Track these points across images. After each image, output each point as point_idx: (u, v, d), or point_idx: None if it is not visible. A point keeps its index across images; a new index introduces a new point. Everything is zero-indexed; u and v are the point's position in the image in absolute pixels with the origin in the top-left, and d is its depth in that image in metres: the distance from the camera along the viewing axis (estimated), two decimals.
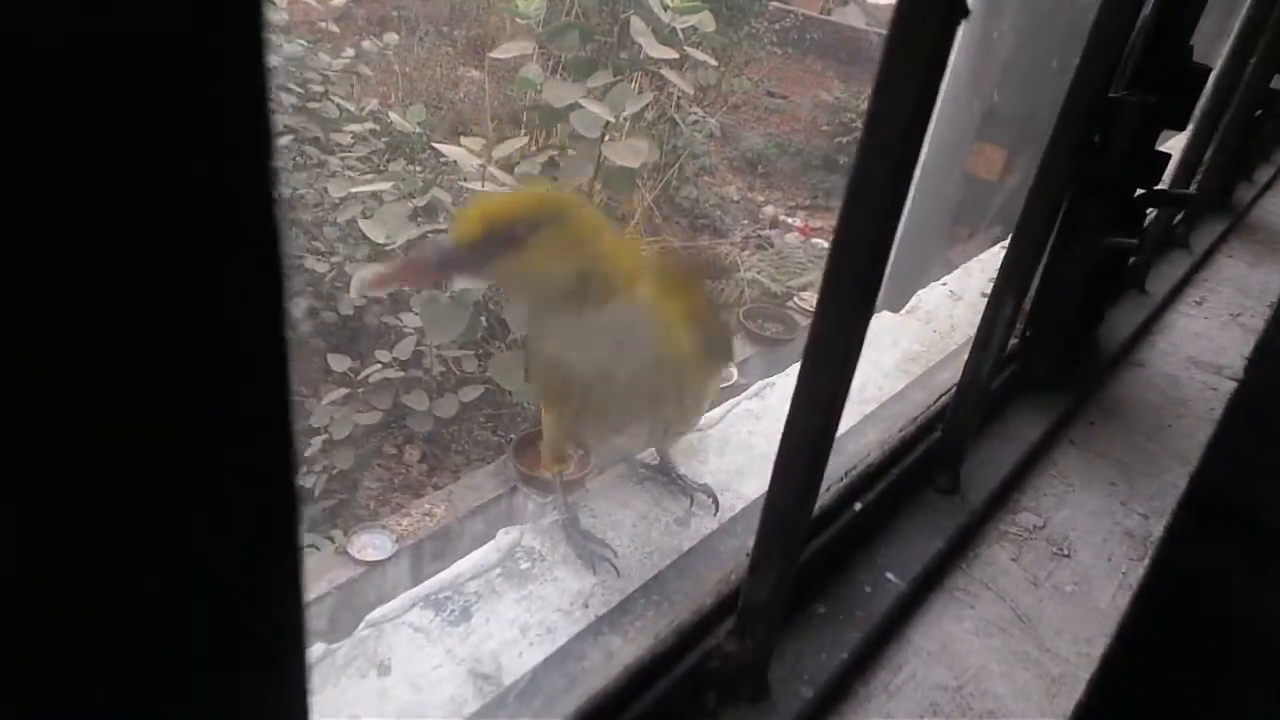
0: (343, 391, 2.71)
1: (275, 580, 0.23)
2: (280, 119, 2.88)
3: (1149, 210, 0.95)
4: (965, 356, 0.74)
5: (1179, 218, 1.30)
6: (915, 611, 0.68)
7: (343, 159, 3.00)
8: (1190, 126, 1.16)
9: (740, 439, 0.85)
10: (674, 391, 0.66)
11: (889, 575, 0.68)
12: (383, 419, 2.78)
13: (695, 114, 3.73)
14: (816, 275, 3.31)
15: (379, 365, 2.73)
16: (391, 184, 2.64)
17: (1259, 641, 0.97)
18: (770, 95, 5.38)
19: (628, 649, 0.53)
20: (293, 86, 2.99)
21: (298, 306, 2.90)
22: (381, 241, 2.46)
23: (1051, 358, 0.90)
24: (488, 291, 2.48)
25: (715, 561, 0.66)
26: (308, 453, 2.69)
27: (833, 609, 0.64)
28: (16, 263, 0.15)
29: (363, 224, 2.52)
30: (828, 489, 0.67)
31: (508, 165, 2.53)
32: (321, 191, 2.89)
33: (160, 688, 0.21)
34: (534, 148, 3.01)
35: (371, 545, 2.56)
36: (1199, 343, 1.13)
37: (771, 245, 4.05)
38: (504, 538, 0.70)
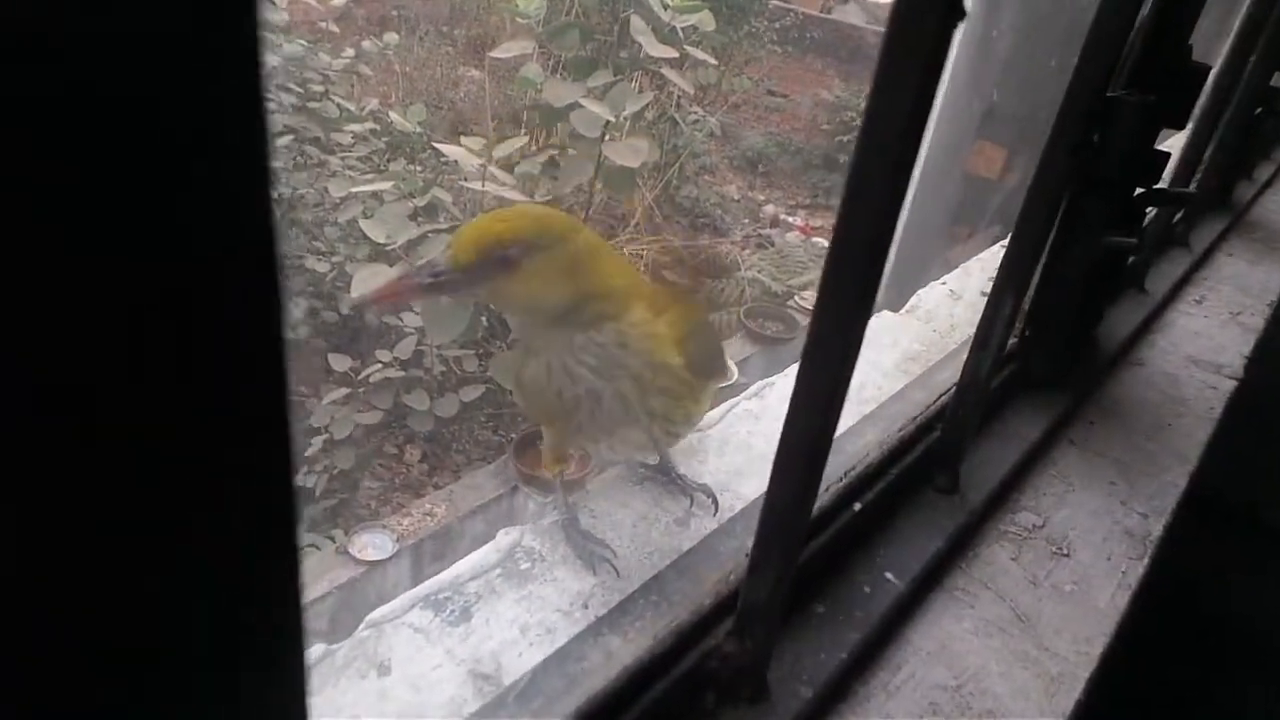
0: (343, 391, 2.71)
1: (274, 580, 0.23)
2: (281, 119, 2.89)
3: (1148, 209, 0.95)
4: (965, 356, 0.74)
5: (1178, 216, 1.30)
6: (914, 611, 0.68)
7: (343, 159, 3.00)
8: (1190, 125, 1.16)
9: (740, 439, 0.85)
10: (662, 412, 0.66)
11: (888, 575, 0.68)
12: (383, 419, 2.78)
13: (695, 113, 3.73)
14: (817, 274, 3.31)
15: (380, 365, 2.73)
16: (392, 184, 2.64)
17: (1259, 641, 0.97)
18: (770, 94, 5.38)
19: (627, 649, 0.53)
20: (293, 86, 2.99)
21: (298, 306, 2.90)
22: (382, 241, 2.46)
23: (1051, 357, 0.90)
24: None
25: (714, 562, 0.66)
26: (308, 452, 2.69)
27: (832, 609, 0.64)
28: (15, 263, 0.15)
29: (363, 224, 2.52)
30: (827, 489, 0.67)
31: (508, 165, 2.53)
32: (322, 191, 2.89)
33: (159, 688, 0.21)
34: (534, 147, 3.01)
35: (372, 545, 2.56)
36: (1199, 342, 1.13)
37: (772, 244, 4.04)
38: (504, 538, 0.70)
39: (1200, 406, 1.00)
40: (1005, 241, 0.74)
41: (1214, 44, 1.37)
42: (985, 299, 0.73)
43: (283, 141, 2.83)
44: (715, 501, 0.75)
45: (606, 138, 2.73)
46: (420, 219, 2.54)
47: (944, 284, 1.16)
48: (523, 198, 2.43)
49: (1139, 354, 1.08)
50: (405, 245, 2.44)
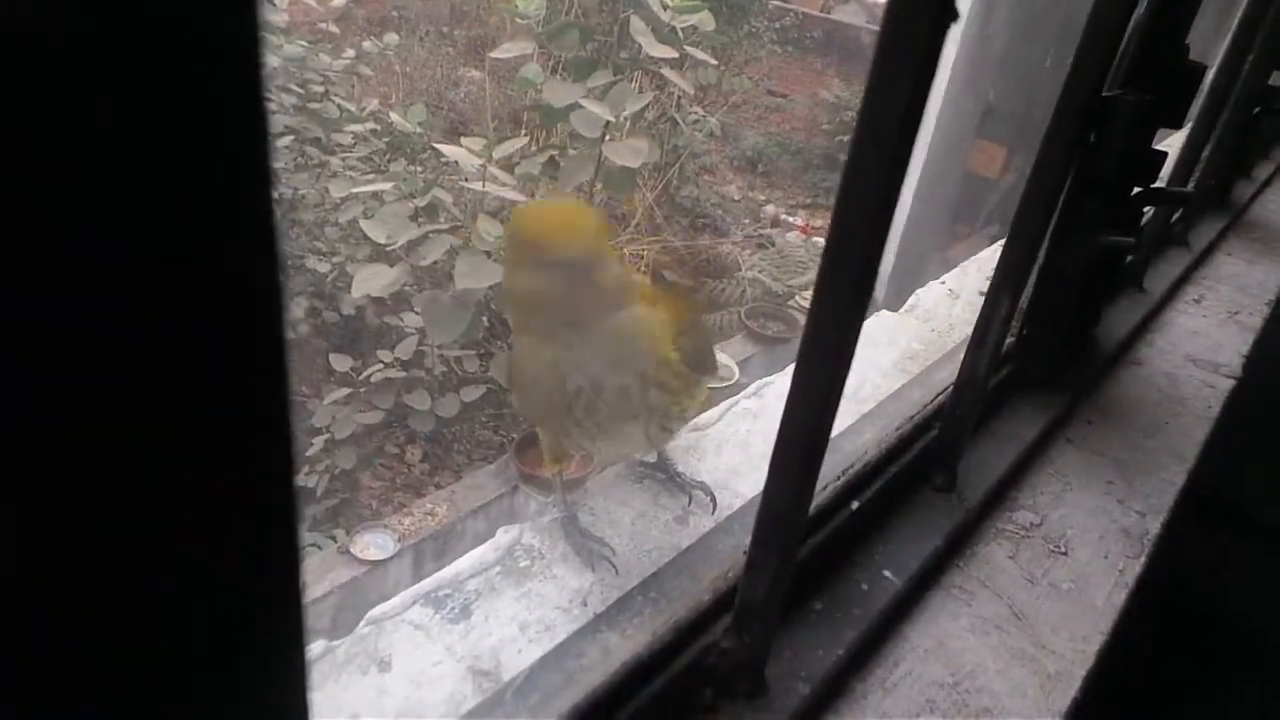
0: (344, 391, 2.71)
1: (275, 580, 0.23)
2: (281, 119, 2.89)
3: (1146, 209, 0.95)
4: (963, 355, 0.74)
5: (1177, 216, 1.30)
6: (912, 609, 0.69)
7: (344, 159, 3.00)
8: (1188, 124, 1.16)
9: (738, 438, 0.85)
10: (660, 407, 0.66)
11: (886, 573, 0.68)
12: (384, 419, 2.78)
13: (695, 113, 3.73)
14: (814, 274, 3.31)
15: (381, 365, 2.73)
16: (392, 184, 2.65)
17: (1254, 639, 0.98)
18: (770, 94, 5.39)
19: (625, 646, 0.53)
20: (293, 87, 3.00)
21: (299, 306, 2.90)
22: (383, 242, 2.47)
23: (1048, 356, 0.90)
24: (489, 291, 2.49)
25: (712, 559, 0.66)
26: (310, 452, 2.70)
27: (830, 606, 0.65)
28: (15, 263, 0.15)
29: (364, 224, 2.52)
30: (825, 487, 0.67)
31: (508, 165, 2.53)
32: (323, 192, 2.89)
33: (159, 687, 0.21)
34: (534, 147, 3.02)
35: (374, 544, 2.56)
36: (1197, 341, 1.14)
37: (772, 244, 4.05)
38: (503, 536, 0.70)
39: (1198, 406, 1.00)
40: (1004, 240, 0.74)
41: (1212, 43, 1.37)
42: (983, 298, 0.73)
43: (283, 142, 2.83)
44: (713, 499, 0.76)
45: (607, 138, 2.73)
46: (421, 219, 2.54)
47: (943, 283, 1.16)
48: (523, 198, 2.44)
49: (1137, 353, 1.08)
50: (406, 245, 2.44)
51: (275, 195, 0.19)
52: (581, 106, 2.62)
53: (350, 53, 3.19)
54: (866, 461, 0.71)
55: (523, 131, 3.27)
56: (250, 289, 0.19)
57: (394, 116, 2.99)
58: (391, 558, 2.53)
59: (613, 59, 2.91)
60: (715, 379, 0.73)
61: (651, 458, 0.79)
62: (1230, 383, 1.06)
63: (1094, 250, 0.85)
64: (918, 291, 1.14)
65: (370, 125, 3.12)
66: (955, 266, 1.24)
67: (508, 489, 2.77)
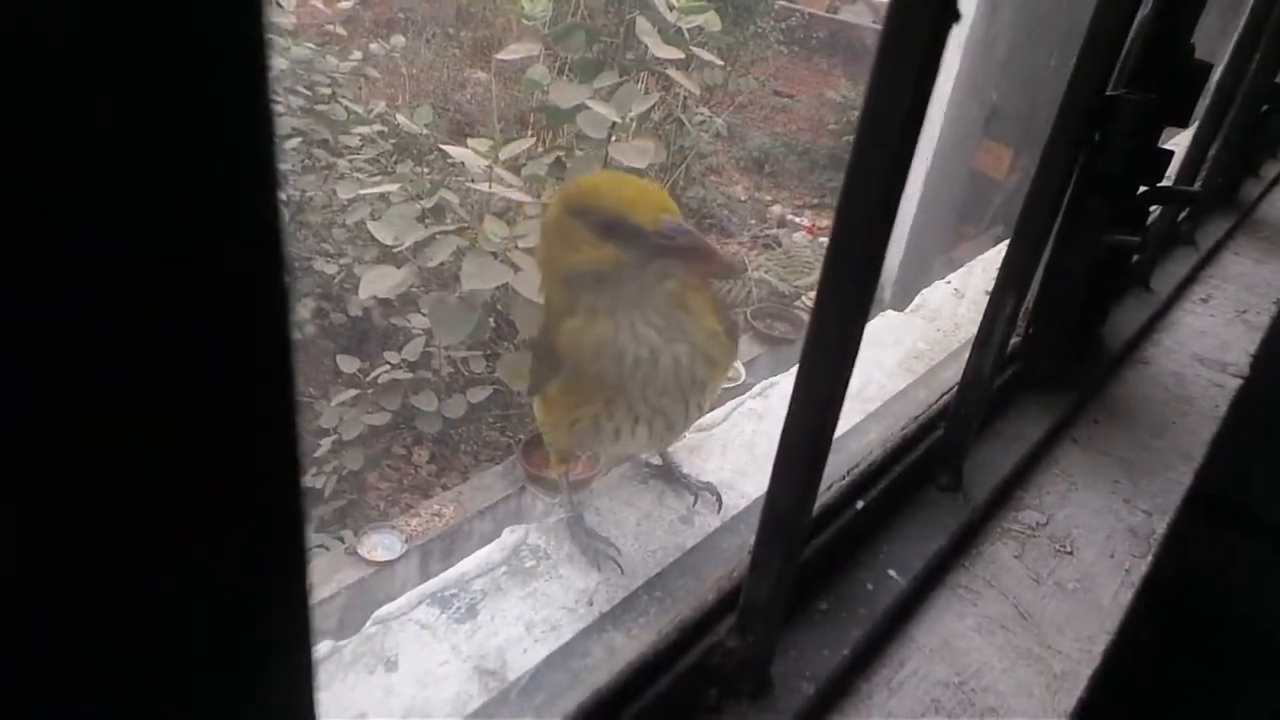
0: (352, 393, 2.72)
1: (279, 581, 0.23)
2: (289, 122, 2.90)
3: (1152, 208, 0.95)
4: (968, 355, 0.74)
5: (1184, 215, 1.30)
6: (917, 608, 0.69)
7: (351, 161, 3.01)
8: (1194, 123, 1.15)
9: (744, 438, 0.85)
10: (703, 381, 0.66)
11: (891, 572, 0.68)
12: (391, 420, 2.79)
13: (702, 114, 3.73)
14: None
15: (388, 366, 2.74)
16: (399, 185, 2.66)
17: (1261, 639, 0.97)
18: (777, 94, 5.38)
19: (630, 645, 0.53)
20: (301, 89, 3.01)
21: (306, 307, 2.91)
22: (390, 243, 2.47)
23: (1054, 356, 0.90)
24: (496, 292, 2.49)
25: (718, 559, 0.66)
26: (317, 453, 2.71)
27: (835, 606, 0.65)
28: (17, 263, 0.15)
29: (371, 226, 2.53)
30: (829, 487, 0.67)
31: (514, 166, 2.54)
32: (330, 193, 2.91)
33: (161, 688, 0.21)
34: (541, 148, 3.02)
35: (381, 545, 2.57)
36: (1204, 340, 1.13)
37: (779, 245, 4.04)
38: (509, 536, 0.70)
39: (1205, 405, 1.00)
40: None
41: (1218, 42, 1.37)
42: (988, 298, 0.73)
43: (291, 144, 2.85)
44: (719, 499, 0.76)
45: (613, 139, 2.74)
46: (428, 221, 2.55)
47: (948, 283, 1.16)
48: (529, 199, 2.44)
49: (1144, 353, 1.08)
50: (413, 247, 2.45)
51: (280, 196, 0.19)
52: (588, 107, 2.62)
53: (357, 55, 3.21)
54: (871, 461, 0.71)
55: (529, 133, 3.27)
56: (252, 289, 0.19)
57: (401, 118, 3.00)
58: (399, 559, 2.53)
59: (619, 60, 2.92)
60: (737, 348, 0.73)
61: (657, 459, 0.79)
62: (1238, 382, 1.05)
63: (1099, 249, 0.85)
64: (923, 291, 1.13)
65: (377, 127, 3.13)
66: (961, 266, 1.24)
67: (515, 490, 2.78)
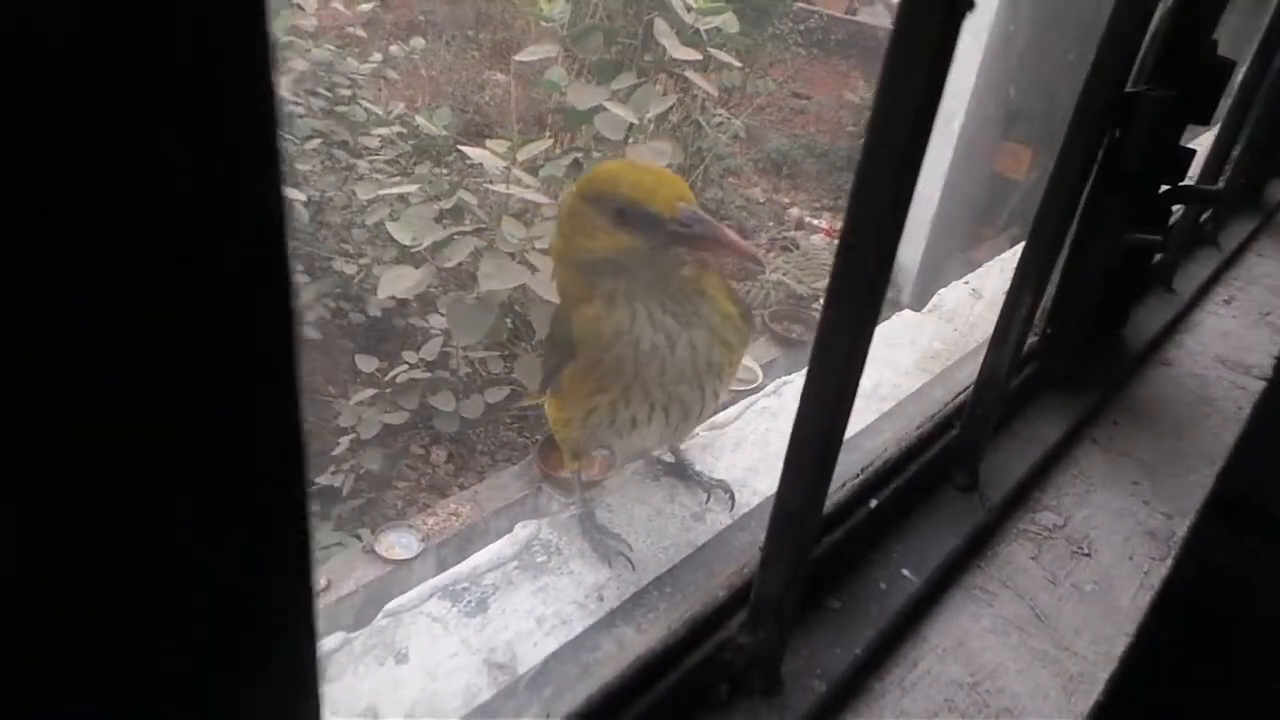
0: (370, 392, 2.74)
1: (281, 581, 0.23)
2: (309, 123, 2.92)
3: (1175, 207, 0.94)
4: (984, 354, 0.73)
5: (1207, 215, 1.28)
6: (931, 609, 0.68)
7: (370, 162, 3.03)
8: (1217, 122, 1.14)
9: (757, 436, 0.85)
10: (719, 366, 0.66)
11: (905, 572, 0.68)
12: (409, 419, 2.80)
13: (720, 115, 3.73)
14: None
15: (406, 366, 2.75)
16: (418, 186, 2.67)
17: None
18: (795, 96, 5.36)
19: (640, 640, 0.53)
20: (321, 91, 3.03)
21: (326, 308, 2.93)
22: (408, 243, 2.49)
23: (1073, 356, 0.89)
24: (512, 293, 2.50)
25: (729, 556, 0.66)
26: (335, 452, 2.72)
27: (848, 604, 0.64)
28: (16, 263, 0.15)
29: (389, 226, 2.55)
30: (843, 485, 0.67)
31: (532, 167, 2.55)
32: (350, 194, 2.92)
33: (162, 688, 0.21)
34: (558, 150, 3.03)
35: (398, 544, 2.58)
36: (1227, 342, 1.12)
37: (797, 247, 4.03)
38: (521, 531, 0.70)
39: (1228, 407, 0.98)
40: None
41: (1244, 40, 1.35)
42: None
43: (311, 145, 2.87)
44: (732, 497, 0.76)
45: (630, 140, 2.74)
46: (446, 221, 2.56)
47: (966, 283, 1.15)
48: (546, 200, 2.44)
49: (1166, 354, 1.07)
50: (431, 247, 2.46)
51: (284, 194, 0.19)
52: (605, 109, 2.63)
53: (377, 57, 3.23)
54: (886, 460, 0.70)
55: (547, 134, 3.28)
56: (253, 289, 0.19)
57: (420, 119, 3.02)
58: (416, 557, 2.54)
59: (637, 62, 2.92)
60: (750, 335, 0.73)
61: (669, 457, 0.79)
62: (1261, 384, 1.04)
63: (1119, 248, 0.84)
64: (940, 291, 1.13)
65: (396, 128, 3.14)
66: (979, 267, 1.23)
67: (531, 490, 2.78)
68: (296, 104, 2.95)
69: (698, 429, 0.81)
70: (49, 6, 0.14)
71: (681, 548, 0.71)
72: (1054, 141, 0.68)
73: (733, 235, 0.58)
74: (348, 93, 3.09)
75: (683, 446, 0.80)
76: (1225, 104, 1.06)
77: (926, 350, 1.00)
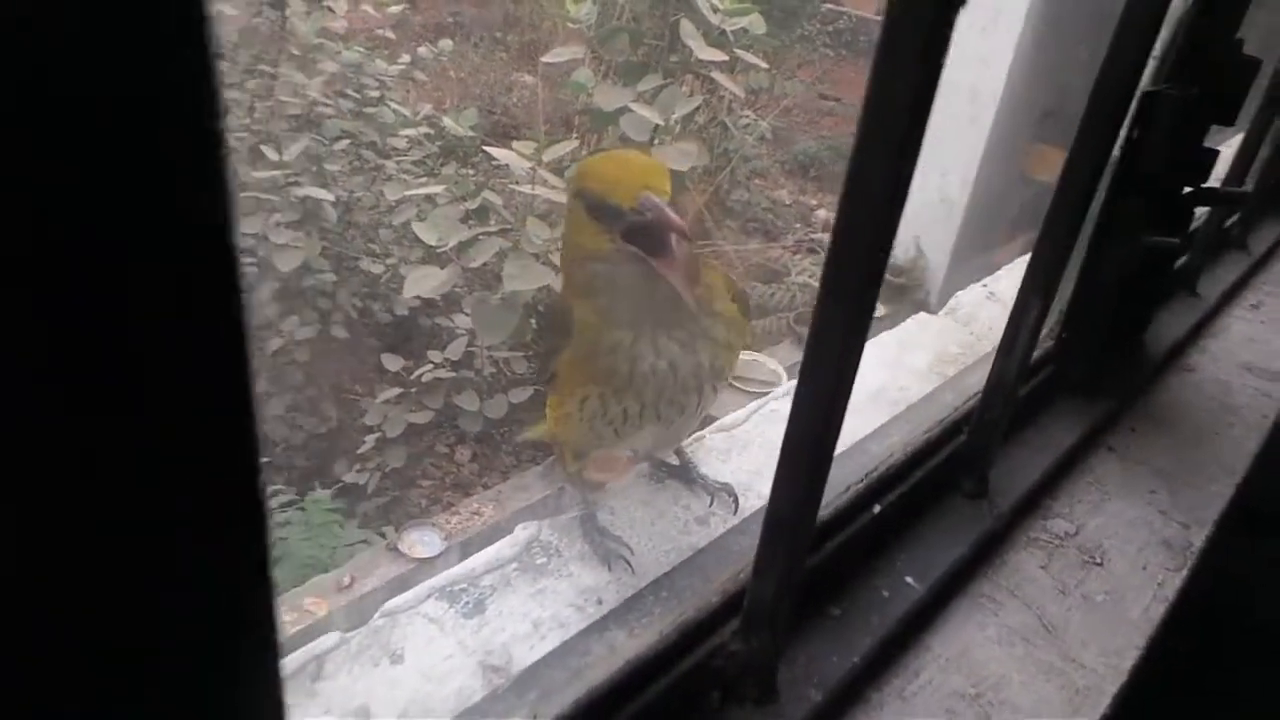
0: (396, 391, 2.76)
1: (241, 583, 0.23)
2: (338, 124, 2.95)
3: (1198, 209, 0.92)
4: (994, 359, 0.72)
5: (1234, 218, 1.25)
6: (935, 618, 0.67)
7: (398, 163, 3.05)
8: (1245, 122, 1.11)
9: (764, 439, 0.84)
10: (724, 360, 0.65)
11: (908, 579, 0.67)
12: (434, 418, 2.82)
13: (746, 117, 3.71)
14: None
15: (431, 365, 2.77)
16: (444, 187, 2.69)
17: None
18: (823, 97, 5.32)
19: (631, 644, 0.53)
20: (350, 92, 3.06)
21: (354, 307, 2.96)
22: (433, 244, 2.50)
23: (1089, 361, 0.87)
24: (537, 293, 2.50)
25: (728, 560, 0.65)
26: (361, 450, 2.75)
27: (848, 612, 0.63)
28: (16, 263, 0.15)
29: (415, 226, 2.57)
30: (846, 490, 0.66)
31: (558, 168, 2.55)
32: (377, 194, 2.95)
33: (161, 688, 0.21)
34: (584, 151, 3.03)
35: (421, 542, 2.60)
36: (1253, 348, 1.09)
37: (823, 249, 4.00)
38: (521, 533, 0.70)
39: (1252, 415, 0.96)
40: None
41: (1272, 39, 1.32)
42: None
43: (340, 146, 2.90)
44: (736, 500, 0.75)
45: (656, 141, 2.74)
46: (471, 222, 2.57)
47: (984, 286, 1.13)
48: None
49: (1189, 359, 1.04)
50: (456, 248, 2.48)
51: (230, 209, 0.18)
52: (631, 110, 2.63)
53: (406, 58, 3.25)
54: (891, 465, 0.69)
55: (573, 135, 3.29)
56: (200, 290, 0.19)
57: (447, 121, 3.04)
58: (438, 555, 2.56)
59: (663, 63, 2.91)
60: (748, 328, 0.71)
61: (674, 459, 0.78)
62: None
63: (1138, 251, 0.82)
64: (958, 294, 1.11)
65: (424, 129, 3.17)
66: (999, 269, 1.21)
67: (554, 491, 2.79)
68: (326, 105, 2.98)
69: (704, 432, 0.80)
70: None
71: (684, 552, 0.70)
72: None
73: (673, 215, 0.56)
74: (376, 94, 3.12)
75: (688, 448, 0.80)
76: (1253, 104, 1.03)
77: (942, 354, 0.98)
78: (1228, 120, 0.83)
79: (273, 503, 2.50)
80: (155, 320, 0.17)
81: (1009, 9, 2.87)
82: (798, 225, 4.27)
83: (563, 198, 2.47)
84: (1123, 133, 0.74)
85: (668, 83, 2.77)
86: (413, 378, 2.78)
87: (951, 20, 0.38)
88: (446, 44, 3.36)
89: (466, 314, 2.85)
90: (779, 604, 0.52)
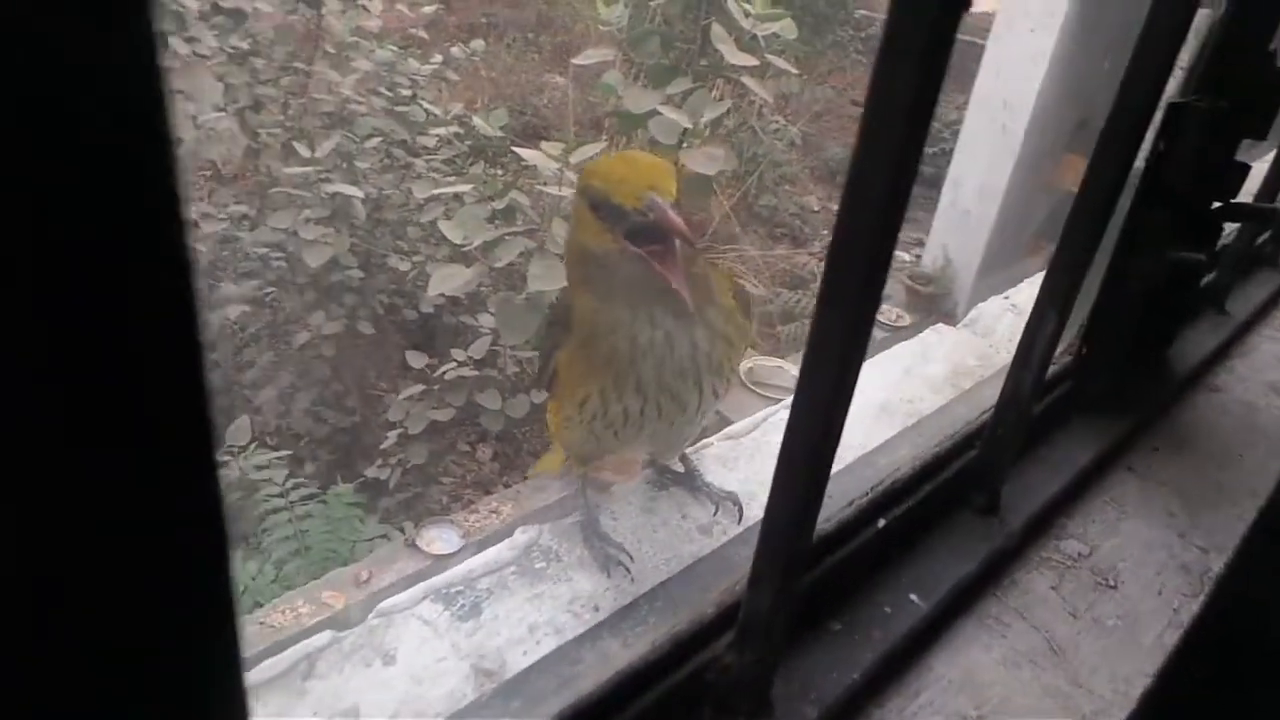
0: (419, 388, 2.77)
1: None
2: (370, 122, 2.97)
3: (1227, 225, 0.89)
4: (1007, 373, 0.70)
5: (1266, 235, 1.22)
6: (939, 636, 0.65)
7: (427, 161, 3.07)
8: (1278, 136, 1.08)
9: (772, 447, 0.82)
10: (718, 363, 0.65)
11: (913, 596, 0.65)
12: (456, 416, 2.83)
13: (776, 122, 3.70)
14: (896, 287, 3.24)
15: (455, 363, 2.78)
16: (472, 186, 2.70)
17: None
18: (855, 104, 5.28)
19: (624, 654, 0.52)
20: (382, 91, 3.08)
21: (380, 303, 2.98)
22: (459, 242, 2.51)
23: (1109, 377, 0.85)
24: (561, 294, 2.50)
25: (727, 571, 0.64)
26: (383, 446, 2.76)
27: (849, 627, 0.62)
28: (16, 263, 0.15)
29: (443, 225, 2.58)
30: (850, 503, 0.65)
31: None
32: (406, 192, 2.97)
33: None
34: (612, 153, 3.03)
35: (439, 539, 2.60)
36: None
37: None
38: (521, 536, 0.70)
39: (1278, 437, 0.93)
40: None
41: None
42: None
43: (371, 143, 2.92)
44: (740, 510, 0.74)
45: (684, 145, 2.73)
46: (498, 221, 2.58)
47: (1005, 298, 1.11)
48: None
49: (1215, 379, 1.02)
50: (482, 247, 2.48)
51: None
52: (660, 113, 2.62)
53: (438, 58, 3.27)
54: (898, 478, 0.68)
55: (602, 137, 3.29)
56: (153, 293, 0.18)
57: (477, 120, 3.05)
58: (456, 553, 2.56)
59: (693, 66, 2.91)
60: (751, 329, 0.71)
61: (679, 466, 0.77)
62: None
63: (1162, 266, 0.80)
64: (979, 305, 1.09)
65: (454, 129, 3.18)
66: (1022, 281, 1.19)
67: (572, 491, 2.78)
68: (358, 103, 3.00)
69: (710, 439, 0.79)
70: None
71: (684, 560, 0.69)
72: None
73: (675, 218, 0.56)
74: (408, 93, 3.14)
75: (694, 456, 0.79)
76: None
77: (958, 366, 0.96)
78: (1259, 134, 0.81)
79: (294, 495, 2.52)
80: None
81: (1043, 18, 2.83)
82: (825, 232, 4.24)
83: None
84: (1148, 144, 0.72)
85: (697, 86, 2.76)
86: (436, 375, 2.79)
87: (956, 22, 0.37)
88: (479, 44, 3.37)
89: (491, 313, 2.86)
90: (774, 617, 0.51)
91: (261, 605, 2.25)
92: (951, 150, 3.23)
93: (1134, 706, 0.63)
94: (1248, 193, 0.87)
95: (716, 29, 2.73)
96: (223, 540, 0.22)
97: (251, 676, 0.54)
